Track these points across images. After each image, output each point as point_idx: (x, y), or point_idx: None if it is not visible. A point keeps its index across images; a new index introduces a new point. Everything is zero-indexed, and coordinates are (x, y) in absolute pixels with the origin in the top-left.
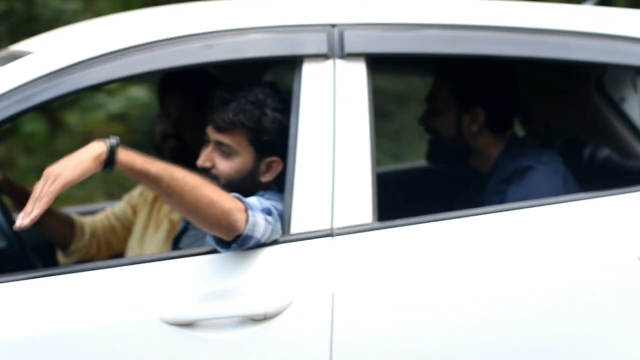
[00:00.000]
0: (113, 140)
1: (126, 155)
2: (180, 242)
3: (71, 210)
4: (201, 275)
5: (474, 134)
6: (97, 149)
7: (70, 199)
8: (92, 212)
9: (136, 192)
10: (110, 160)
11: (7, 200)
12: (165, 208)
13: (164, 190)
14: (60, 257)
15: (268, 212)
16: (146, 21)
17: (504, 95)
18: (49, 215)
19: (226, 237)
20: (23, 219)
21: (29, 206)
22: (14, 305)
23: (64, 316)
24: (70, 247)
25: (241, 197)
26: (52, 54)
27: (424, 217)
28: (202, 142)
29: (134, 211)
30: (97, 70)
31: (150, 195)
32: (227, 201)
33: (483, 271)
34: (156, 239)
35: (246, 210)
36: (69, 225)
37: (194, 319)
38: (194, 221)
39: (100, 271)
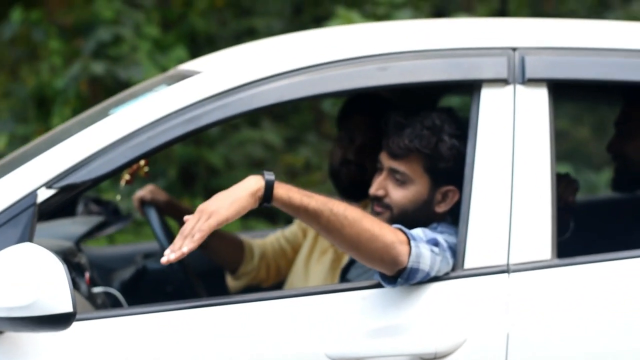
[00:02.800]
0: (270, 175)
1: (284, 190)
2: (348, 273)
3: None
4: (369, 310)
5: None
6: (253, 184)
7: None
8: None
9: None
10: (267, 196)
11: (173, 223)
12: None
13: (323, 226)
14: (229, 280)
15: (434, 243)
16: (319, 41)
17: None
18: (218, 237)
19: (389, 272)
20: (169, 255)
21: (177, 242)
22: (173, 334)
23: (227, 347)
24: (239, 270)
25: (404, 228)
26: (220, 74)
27: (606, 254)
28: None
29: (304, 234)
30: (266, 91)
31: None
32: (389, 234)
33: None
34: (320, 266)
35: (409, 242)
36: (238, 248)
37: (361, 356)
38: (354, 256)
39: (266, 302)
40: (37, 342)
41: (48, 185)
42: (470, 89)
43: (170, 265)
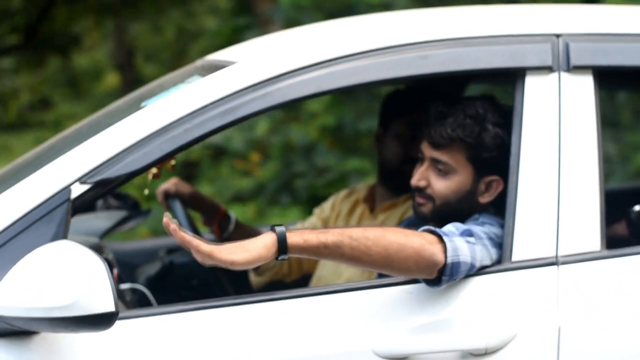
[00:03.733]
0: (280, 227)
1: (297, 237)
2: None
3: None
4: (415, 305)
5: None
6: (268, 239)
7: None
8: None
9: (327, 205)
10: (282, 248)
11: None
12: (361, 223)
13: (348, 255)
14: (252, 276)
15: (468, 234)
16: (357, 29)
17: None
18: (241, 231)
19: (430, 275)
20: (175, 223)
21: (184, 235)
22: (215, 331)
23: (272, 344)
24: (263, 265)
25: (432, 227)
26: (258, 63)
27: None
28: None
29: (326, 225)
30: (304, 81)
31: (344, 208)
32: (416, 238)
33: None
34: None
35: (440, 239)
36: None
37: (409, 353)
38: (390, 273)
39: (310, 298)
40: (73, 342)
41: (82, 180)
42: (513, 77)
43: (195, 260)
